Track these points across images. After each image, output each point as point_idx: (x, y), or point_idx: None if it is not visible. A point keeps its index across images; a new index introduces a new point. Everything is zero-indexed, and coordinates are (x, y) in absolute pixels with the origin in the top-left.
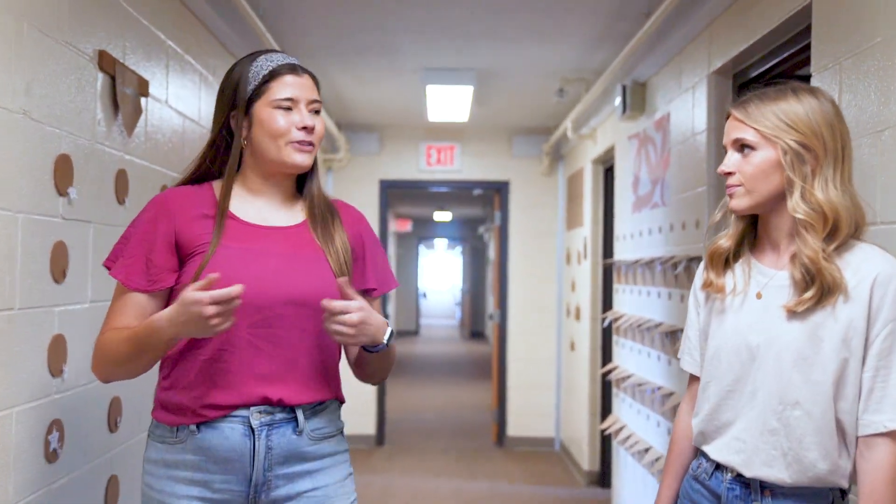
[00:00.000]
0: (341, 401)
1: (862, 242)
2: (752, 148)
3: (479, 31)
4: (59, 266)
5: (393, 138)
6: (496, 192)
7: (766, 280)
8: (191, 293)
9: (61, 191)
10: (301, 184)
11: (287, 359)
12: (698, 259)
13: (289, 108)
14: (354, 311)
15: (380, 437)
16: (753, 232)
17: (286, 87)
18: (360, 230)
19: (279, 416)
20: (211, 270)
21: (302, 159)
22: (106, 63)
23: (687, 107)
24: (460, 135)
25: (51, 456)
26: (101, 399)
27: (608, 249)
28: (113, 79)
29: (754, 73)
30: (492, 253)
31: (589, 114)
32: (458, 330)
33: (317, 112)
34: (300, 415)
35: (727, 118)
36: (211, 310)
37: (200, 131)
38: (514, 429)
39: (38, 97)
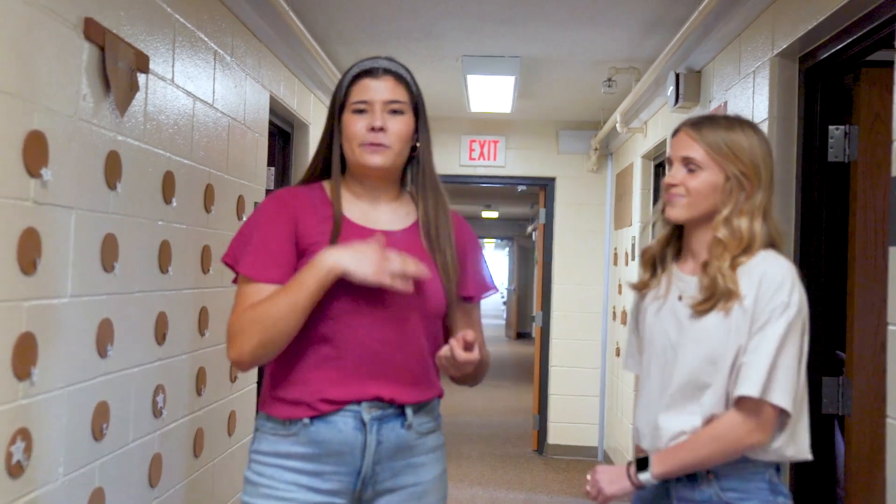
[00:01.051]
0: (441, 396)
1: (766, 250)
2: (699, 167)
3: (524, 15)
4: (28, 255)
5: (434, 131)
6: (541, 189)
7: (685, 285)
8: (377, 247)
9: (32, 171)
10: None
11: (399, 361)
12: None
13: (363, 111)
14: (473, 350)
15: None
16: (678, 242)
17: (361, 90)
18: (465, 238)
19: (389, 411)
20: None
21: (373, 160)
22: (93, 32)
23: (746, 94)
24: (504, 128)
25: (14, 469)
26: (83, 405)
27: None
28: (103, 50)
29: (824, 55)
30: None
31: (639, 106)
32: (503, 330)
33: (396, 112)
34: (409, 411)
35: (674, 135)
36: (384, 258)
37: (214, 115)
38: (555, 437)
39: (8, 67)
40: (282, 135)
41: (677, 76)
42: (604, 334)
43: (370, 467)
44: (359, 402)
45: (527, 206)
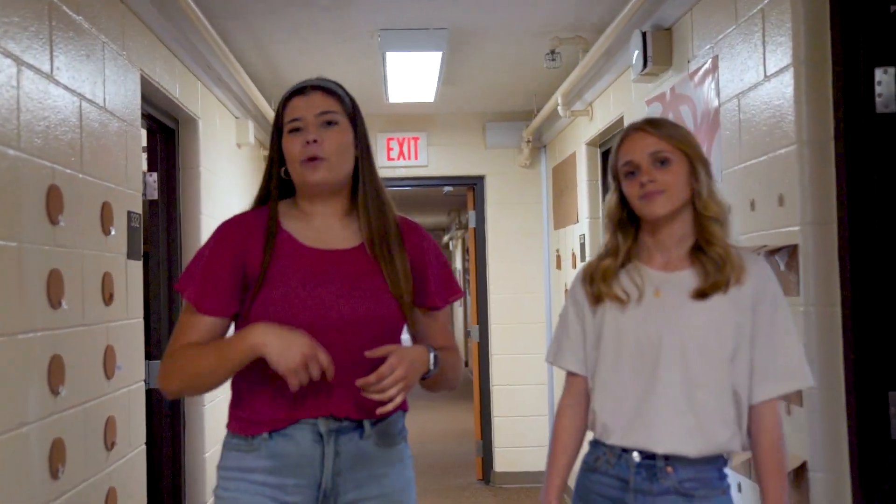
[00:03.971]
0: (405, 409)
1: (736, 246)
2: (668, 160)
3: None
4: None
5: None
6: (469, 189)
7: (661, 280)
8: (311, 343)
9: None
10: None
11: (348, 379)
12: (787, 249)
13: (298, 129)
14: (387, 372)
15: None
16: (633, 244)
17: (292, 110)
18: (421, 247)
19: (346, 423)
20: (267, 299)
21: (312, 176)
22: None
23: (751, 42)
24: (426, 123)
25: None
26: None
27: None
28: None
29: None
30: (458, 262)
31: (583, 85)
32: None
33: (330, 123)
34: (367, 424)
35: (625, 137)
36: (310, 356)
37: (55, 91)
38: (502, 463)
39: None
40: (164, 132)
41: (644, 35)
42: (555, 332)
43: (330, 479)
44: (315, 417)
45: (443, 215)
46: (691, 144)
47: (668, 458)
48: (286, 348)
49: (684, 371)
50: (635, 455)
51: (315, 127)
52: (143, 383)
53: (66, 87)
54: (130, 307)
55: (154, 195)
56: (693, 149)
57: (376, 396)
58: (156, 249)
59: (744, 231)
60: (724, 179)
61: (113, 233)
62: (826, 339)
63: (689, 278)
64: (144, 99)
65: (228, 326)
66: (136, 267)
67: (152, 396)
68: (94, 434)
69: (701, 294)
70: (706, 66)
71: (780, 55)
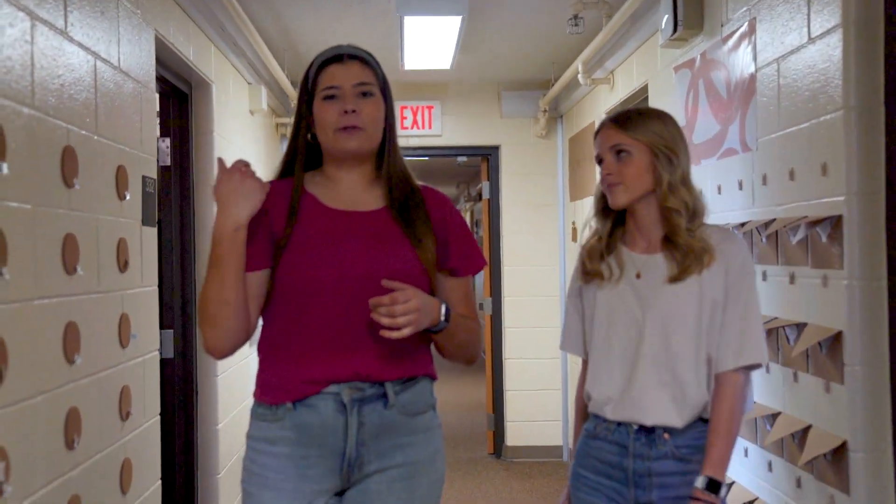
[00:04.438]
0: (433, 377)
1: (712, 225)
2: (627, 152)
3: None
4: None
5: None
6: (484, 160)
7: (642, 263)
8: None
9: None
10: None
11: (374, 336)
12: (830, 220)
13: (333, 97)
14: (402, 298)
15: None
16: (621, 228)
17: (329, 77)
18: (444, 214)
19: (369, 391)
20: (292, 257)
21: (349, 144)
22: None
23: (793, 3)
24: (440, 92)
25: None
26: None
27: None
28: None
29: None
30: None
31: (605, 51)
32: None
33: (365, 94)
34: (390, 390)
35: (596, 135)
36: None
37: (70, 49)
38: (513, 437)
39: None
40: (177, 95)
41: None
42: (563, 319)
43: (354, 449)
44: (338, 381)
45: (452, 186)
46: (656, 137)
47: (663, 428)
48: (219, 197)
49: (665, 348)
50: (632, 426)
51: (353, 97)
52: (157, 353)
53: (80, 45)
54: (145, 275)
55: (167, 161)
56: (657, 141)
57: (385, 320)
58: (168, 217)
59: (782, 202)
60: (760, 148)
61: (128, 198)
62: (870, 314)
63: (662, 262)
64: (158, 61)
65: (266, 281)
66: (151, 234)
67: (165, 367)
68: (109, 404)
69: (673, 279)
70: (742, 29)
71: (827, 16)
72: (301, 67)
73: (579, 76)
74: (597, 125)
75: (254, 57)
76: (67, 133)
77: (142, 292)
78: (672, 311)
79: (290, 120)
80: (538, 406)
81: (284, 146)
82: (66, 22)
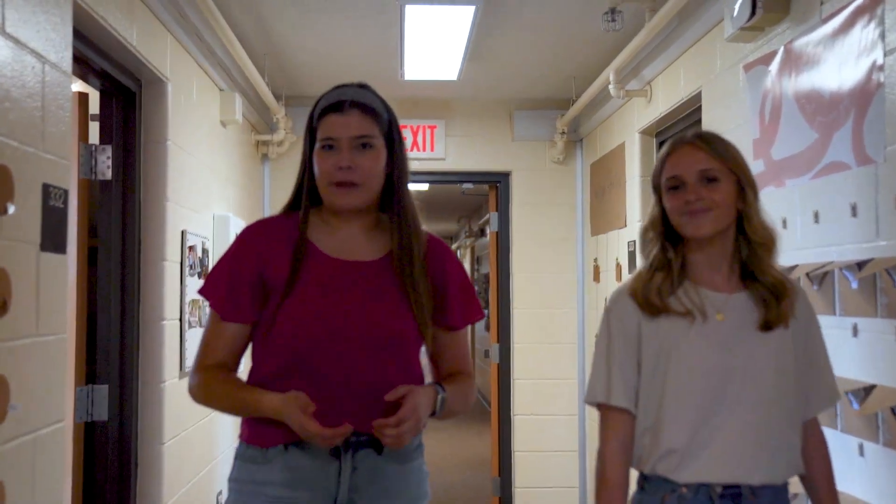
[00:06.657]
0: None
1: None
2: (717, 180)
3: None
4: None
5: None
6: (492, 188)
7: (721, 303)
8: (306, 420)
9: None
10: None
11: (371, 396)
12: None
13: (331, 147)
14: (405, 419)
15: None
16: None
17: (327, 127)
18: (444, 265)
19: (364, 437)
20: (290, 308)
21: (342, 202)
22: None
23: None
24: (444, 110)
25: None
26: None
27: None
28: None
29: None
30: (489, 268)
31: (645, 55)
32: None
33: (366, 146)
34: None
35: (673, 149)
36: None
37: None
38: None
39: None
40: (122, 93)
41: None
42: (581, 371)
43: (346, 494)
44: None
45: (452, 221)
46: (742, 165)
47: (752, 488)
48: (293, 425)
49: (757, 400)
50: (717, 489)
51: (349, 150)
52: (61, 424)
53: None
54: (46, 320)
55: (107, 175)
56: (743, 170)
57: (389, 441)
58: (106, 243)
59: None
60: (889, 159)
61: (12, 211)
62: None
63: (746, 302)
64: (89, 43)
65: (250, 333)
66: (59, 263)
67: (94, 432)
68: None
69: (766, 326)
70: (855, 5)
71: None
72: (285, 76)
73: (610, 87)
74: (630, 146)
75: (226, 57)
76: None
77: (39, 342)
78: (763, 362)
79: (273, 138)
80: (552, 471)
81: (266, 168)
82: None
